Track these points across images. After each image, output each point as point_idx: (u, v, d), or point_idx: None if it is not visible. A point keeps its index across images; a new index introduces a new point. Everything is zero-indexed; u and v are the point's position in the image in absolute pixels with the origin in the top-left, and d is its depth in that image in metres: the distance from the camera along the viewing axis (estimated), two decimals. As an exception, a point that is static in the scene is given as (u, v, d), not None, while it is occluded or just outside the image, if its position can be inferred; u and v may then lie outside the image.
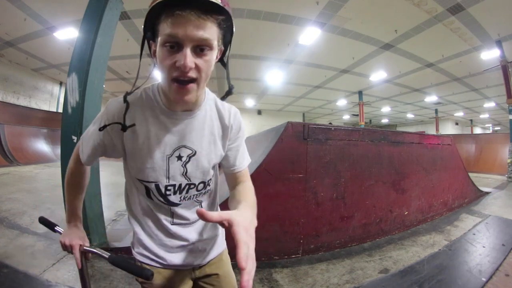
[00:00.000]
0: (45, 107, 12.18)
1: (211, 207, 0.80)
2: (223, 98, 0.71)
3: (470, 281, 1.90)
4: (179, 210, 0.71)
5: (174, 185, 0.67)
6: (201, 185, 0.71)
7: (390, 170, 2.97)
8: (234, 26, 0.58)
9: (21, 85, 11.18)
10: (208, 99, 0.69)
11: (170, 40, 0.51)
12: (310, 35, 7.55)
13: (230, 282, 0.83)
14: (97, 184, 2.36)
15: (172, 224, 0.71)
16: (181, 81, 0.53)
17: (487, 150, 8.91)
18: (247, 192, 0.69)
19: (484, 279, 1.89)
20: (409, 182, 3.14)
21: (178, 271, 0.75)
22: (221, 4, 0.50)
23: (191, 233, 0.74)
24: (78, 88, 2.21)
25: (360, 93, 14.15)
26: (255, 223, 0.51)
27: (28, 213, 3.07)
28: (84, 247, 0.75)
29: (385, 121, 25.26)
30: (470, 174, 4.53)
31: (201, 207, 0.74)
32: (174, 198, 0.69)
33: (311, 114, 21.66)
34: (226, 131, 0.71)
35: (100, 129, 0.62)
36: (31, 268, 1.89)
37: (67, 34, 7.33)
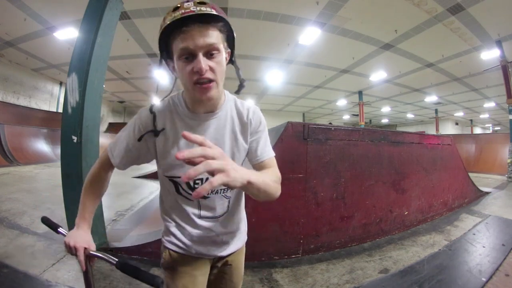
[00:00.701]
0: (45, 107, 12.19)
1: (238, 203, 0.86)
2: (237, 92, 0.78)
3: (470, 281, 1.90)
4: (206, 203, 0.79)
5: (201, 179, 0.75)
6: None
7: (390, 170, 2.97)
8: (234, 30, 0.68)
9: (21, 85, 11.19)
10: (227, 100, 0.78)
11: (184, 52, 0.61)
12: (310, 35, 7.55)
13: (239, 273, 0.91)
14: (97, 184, 2.36)
15: (199, 218, 0.79)
16: (201, 82, 0.63)
17: (487, 150, 8.91)
18: (267, 171, 0.76)
19: (484, 279, 1.89)
20: (409, 182, 3.14)
21: (201, 259, 0.83)
22: (216, 13, 0.60)
23: (216, 227, 0.81)
24: (78, 88, 2.21)
25: (360, 93, 14.16)
26: (241, 173, 0.52)
27: (28, 213, 3.07)
28: (90, 252, 0.73)
29: (385, 121, 25.26)
30: (470, 174, 4.53)
31: (230, 203, 0.82)
32: None
33: (311, 114, 21.67)
34: (245, 126, 0.78)
35: (139, 140, 0.73)
36: (31, 268, 1.89)
37: (67, 34, 7.33)
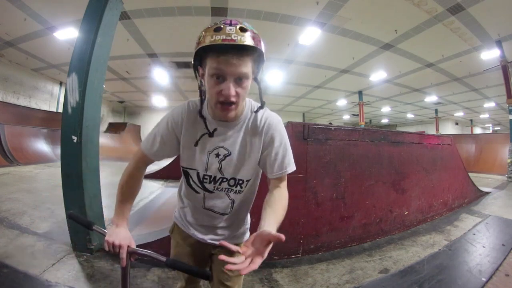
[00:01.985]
0: (45, 107, 12.18)
1: (243, 210, 0.94)
2: (257, 112, 0.84)
3: (470, 281, 1.90)
4: (211, 198, 0.88)
5: (210, 176, 0.85)
6: (232, 181, 0.85)
7: (390, 170, 2.97)
8: (265, 56, 0.72)
9: (21, 85, 11.18)
10: (248, 110, 0.83)
11: (216, 73, 0.67)
12: (310, 35, 7.54)
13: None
14: (97, 184, 2.36)
15: (203, 208, 0.90)
16: (225, 103, 0.70)
17: (487, 150, 8.92)
18: (276, 201, 0.79)
19: (484, 279, 1.89)
20: (409, 182, 3.14)
21: (200, 243, 0.94)
22: (254, 45, 0.64)
23: (218, 220, 0.91)
24: (78, 88, 2.21)
25: (360, 93, 14.15)
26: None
27: (28, 213, 3.07)
28: (137, 250, 0.76)
29: (385, 121, 25.26)
30: (470, 174, 4.53)
31: (233, 205, 0.90)
32: (209, 186, 0.86)
33: (311, 114, 21.66)
34: (259, 138, 0.83)
35: (195, 145, 0.83)
36: (31, 268, 1.89)
37: (67, 34, 7.32)
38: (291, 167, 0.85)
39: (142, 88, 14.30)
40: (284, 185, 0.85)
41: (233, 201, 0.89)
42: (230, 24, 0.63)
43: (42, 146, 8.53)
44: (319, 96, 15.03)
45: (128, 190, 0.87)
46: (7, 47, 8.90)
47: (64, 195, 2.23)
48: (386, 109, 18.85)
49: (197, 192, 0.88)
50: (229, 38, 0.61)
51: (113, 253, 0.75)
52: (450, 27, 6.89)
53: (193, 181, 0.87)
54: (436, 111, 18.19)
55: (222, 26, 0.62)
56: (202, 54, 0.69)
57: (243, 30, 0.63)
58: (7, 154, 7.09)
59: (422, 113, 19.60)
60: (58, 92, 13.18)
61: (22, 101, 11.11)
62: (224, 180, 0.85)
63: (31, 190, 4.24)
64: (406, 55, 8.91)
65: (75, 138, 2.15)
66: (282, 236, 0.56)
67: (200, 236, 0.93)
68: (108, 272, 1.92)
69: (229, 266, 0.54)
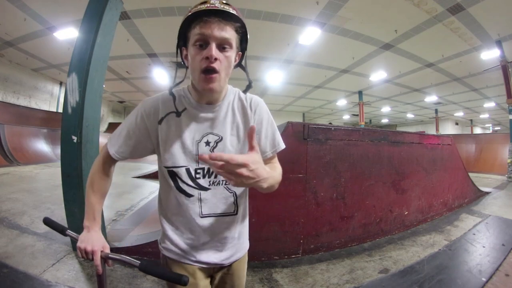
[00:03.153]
0: (45, 107, 12.19)
1: (244, 201, 0.84)
2: (244, 92, 0.81)
3: (470, 281, 1.90)
4: (209, 198, 0.76)
5: (203, 169, 0.75)
6: None
7: (390, 170, 2.97)
8: (248, 34, 0.72)
9: (21, 85, 11.18)
10: (229, 93, 0.80)
11: (199, 38, 0.66)
12: (310, 35, 7.54)
13: (241, 283, 0.87)
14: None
15: (201, 217, 0.76)
16: (208, 71, 0.66)
17: (487, 150, 8.91)
18: (274, 168, 0.78)
19: (484, 279, 1.89)
20: (409, 182, 3.14)
21: (201, 268, 0.79)
22: (236, 14, 0.67)
23: (220, 227, 0.78)
24: (78, 88, 2.21)
25: (360, 93, 14.15)
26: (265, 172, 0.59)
27: (28, 213, 3.07)
28: (109, 255, 0.70)
29: (385, 121, 25.26)
30: (470, 174, 4.53)
31: (236, 199, 0.79)
32: (203, 182, 0.76)
33: (311, 114, 21.66)
34: (249, 118, 0.79)
35: (159, 122, 0.74)
36: (31, 268, 1.90)
37: (67, 34, 7.33)
38: (282, 144, 0.84)
39: (142, 88, 14.30)
40: (276, 161, 0.84)
41: (235, 194, 0.78)
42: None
43: (42, 146, 8.53)
44: (319, 96, 15.03)
45: (97, 190, 0.77)
46: (7, 47, 8.91)
47: (64, 195, 2.23)
48: (386, 109, 18.86)
49: (190, 196, 0.75)
50: (213, 6, 0.64)
51: (86, 259, 0.70)
52: (450, 27, 6.89)
53: (183, 181, 0.75)
54: (436, 111, 18.20)
55: (206, 0, 0.66)
56: (187, 31, 0.69)
57: (226, 4, 0.67)
58: (7, 154, 7.09)
59: (422, 113, 19.60)
60: (58, 92, 13.19)
61: (22, 101, 11.11)
62: None
63: (31, 190, 4.24)
64: (406, 55, 8.91)
65: (75, 138, 2.15)
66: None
67: (204, 259, 0.77)
68: (108, 272, 1.92)
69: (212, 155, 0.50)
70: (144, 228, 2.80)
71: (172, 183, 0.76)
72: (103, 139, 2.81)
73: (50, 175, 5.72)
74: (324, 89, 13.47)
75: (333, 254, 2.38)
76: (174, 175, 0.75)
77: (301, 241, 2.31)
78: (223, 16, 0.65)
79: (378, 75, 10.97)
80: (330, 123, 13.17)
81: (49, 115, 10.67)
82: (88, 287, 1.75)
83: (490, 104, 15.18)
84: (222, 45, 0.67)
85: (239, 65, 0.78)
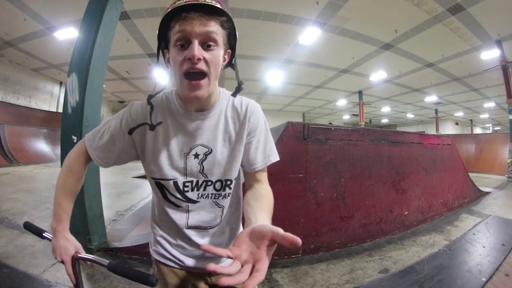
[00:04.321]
0: (45, 107, 12.18)
1: (234, 217, 0.77)
2: (234, 94, 0.73)
3: (470, 281, 1.90)
4: (196, 211, 0.71)
5: (191, 181, 0.69)
6: (219, 184, 0.71)
7: (390, 170, 2.97)
8: (236, 29, 0.64)
9: (21, 85, 11.18)
10: (222, 98, 0.72)
11: (180, 37, 0.57)
12: (310, 35, 7.54)
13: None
14: (97, 184, 2.36)
15: (186, 228, 0.72)
16: (192, 75, 0.58)
17: (487, 150, 8.91)
18: (262, 196, 0.68)
19: (484, 279, 1.89)
20: (409, 182, 3.14)
21: (194, 274, 0.76)
22: (219, 7, 0.57)
23: (206, 238, 0.73)
24: (78, 88, 2.21)
25: (360, 93, 14.15)
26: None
27: (28, 213, 3.07)
28: (79, 255, 0.68)
29: (385, 121, 25.26)
30: (470, 174, 4.53)
31: (223, 213, 0.73)
32: (191, 195, 0.70)
33: (311, 114, 21.66)
34: (242, 127, 0.71)
35: (129, 133, 0.67)
36: (31, 268, 1.90)
37: (67, 34, 7.33)
38: (275, 157, 0.75)
39: (142, 88, 14.30)
40: (265, 178, 0.74)
41: (222, 209, 0.73)
42: None
43: (42, 146, 8.54)
44: (319, 96, 15.03)
45: (68, 189, 0.71)
46: (7, 47, 8.91)
47: (64, 195, 2.23)
48: (386, 109, 18.86)
49: (177, 206, 0.70)
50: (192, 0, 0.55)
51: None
52: (450, 27, 6.89)
53: (170, 193, 0.70)
54: (436, 111, 18.20)
55: None
56: (166, 30, 0.60)
57: None
58: (7, 154, 7.10)
59: (422, 113, 19.60)
60: (58, 92, 13.18)
61: (22, 101, 11.11)
62: (209, 183, 0.70)
63: (31, 190, 4.25)
64: (406, 55, 8.91)
65: (75, 138, 2.15)
66: (298, 239, 0.41)
67: (193, 265, 0.74)
68: (108, 272, 1.92)
69: (224, 281, 0.37)
70: (144, 228, 2.80)
71: (159, 194, 0.71)
72: (103, 139, 2.82)
73: (50, 175, 5.72)
74: (324, 89, 13.47)
75: (333, 254, 2.38)
76: (161, 187, 0.70)
77: (301, 241, 2.31)
78: (206, 10, 0.57)
79: (378, 75, 10.97)
80: (330, 123, 13.16)
81: (49, 115, 10.67)
82: (88, 287, 1.76)
83: (490, 104, 15.18)
84: (207, 43, 0.58)
85: (229, 64, 0.69)
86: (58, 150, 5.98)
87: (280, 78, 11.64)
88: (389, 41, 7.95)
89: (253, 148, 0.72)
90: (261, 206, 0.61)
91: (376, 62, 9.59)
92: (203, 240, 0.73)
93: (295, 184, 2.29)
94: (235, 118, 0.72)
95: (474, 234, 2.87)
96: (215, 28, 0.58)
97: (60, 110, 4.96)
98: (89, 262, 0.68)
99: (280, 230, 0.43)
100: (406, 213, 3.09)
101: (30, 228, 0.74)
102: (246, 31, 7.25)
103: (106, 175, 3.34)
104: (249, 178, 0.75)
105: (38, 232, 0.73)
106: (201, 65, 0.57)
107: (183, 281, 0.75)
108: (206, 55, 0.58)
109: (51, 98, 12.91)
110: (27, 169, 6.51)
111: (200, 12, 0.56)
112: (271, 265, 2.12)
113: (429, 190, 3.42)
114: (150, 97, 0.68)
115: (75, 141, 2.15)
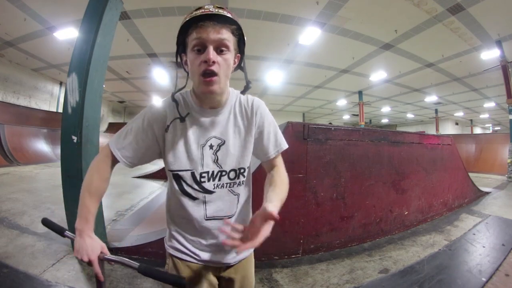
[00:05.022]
0: (45, 107, 12.19)
1: (247, 203, 0.86)
2: (243, 92, 0.82)
3: (470, 281, 1.90)
4: (213, 201, 0.78)
5: (207, 172, 0.76)
6: (232, 173, 0.79)
7: (390, 170, 2.97)
8: (245, 36, 0.74)
9: (21, 85, 11.19)
10: (232, 97, 0.81)
11: (197, 43, 0.67)
12: (310, 35, 7.54)
13: (250, 283, 0.90)
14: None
15: (206, 219, 0.78)
16: (207, 74, 0.68)
17: (487, 150, 8.91)
18: (278, 180, 0.80)
19: (484, 279, 1.89)
20: (409, 182, 3.14)
21: (207, 268, 0.81)
22: (231, 17, 0.69)
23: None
24: (78, 88, 2.21)
25: (360, 93, 14.16)
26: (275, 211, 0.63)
27: (28, 213, 3.07)
28: (106, 256, 0.69)
29: (385, 121, 25.26)
30: (470, 174, 4.53)
31: (238, 201, 0.81)
32: (208, 185, 0.77)
33: (311, 114, 21.66)
34: (250, 121, 0.81)
35: (166, 130, 0.75)
36: (31, 268, 1.90)
37: (67, 34, 7.33)
38: (284, 144, 0.86)
39: (142, 88, 14.31)
40: (281, 163, 0.86)
41: (238, 196, 0.81)
42: (209, 4, 0.70)
43: (42, 146, 8.53)
44: (319, 96, 15.04)
45: (93, 192, 0.74)
46: (7, 47, 8.91)
47: (64, 195, 2.23)
48: (386, 109, 18.86)
49: (194, 198, 0.77)
50: (207, 10, 0.67)
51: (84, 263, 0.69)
52: (450, 27, 6.89)
53: (187, 184, 0.76)
54: (436, 111, 18.20)
55: (201, 6, 0.69)
56: (185, 37, 0.71)
57: (220, 7, 0.69)
58: (7, 154, 7.09)
59: (422, 113, 19.60)
60: (58, 92, 13.19)
61: (22, 101, 11.11)
62: (224, 173, 0.78)
63: (31, 190, 4.24)
64: (406, 55, 8.91)
65: (75, 138, 2.15)
66: (276, 215, 0.60)
67: (209, 259, 0.80)
68: (108, 272, 1.92)
69: (226, 241, 0.59)
70: (144, 228, 2.80)
71: (176, 186, 0.77)
72: (103, 139, 2.81)
73: (50, 175, 5.72)
74: (324, 89, 13.48)
75: (333, 254, 2.38)
76: (179, 178, 0.76)
77: (301, 241, 2.31)
78: (218, 19, 0.67)
79: (378, 75, 10.97)
80: (330, 123, 13.17)
81: (49, 115, 10.67)
82: (88, 287, 1.75)
83: (490, 104, 15.19)
84: (220, 48, 0.68)
85: (239, 67, 0.79)
86: (58, 150, 5.97)
87: (280, 78, 11.64)
88: (389, 41, 7.95)
89: (265, 139, 0.83)
90: (274, 190, 0.75)
91: (376, 62, 9.59)
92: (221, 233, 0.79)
93: (295, 184, 2.29)
94: (243, 114, 0.81)
95: (474, 234, 2.87)
96: (226, 35, 0.68)
97: (60, 110, 4.96)
98: (112, 263, 0.70)
99: (267, 209, 0.62)
100: (406, 213, 3.09)
101: (50, 225, 0.74)
102: (246, 31, 7.00)
103: (106, 175, 3.36)
104: (266, 166, 0.87)
105: (58, 230, 0.73)
106: (215, 67, 0.68)
107: (197, 275, 0.79)
108: (219, 58, 0.68)
109: (51, 98, 12.92)
110: (27, 169, 6.51)
111: (214, 21, 0.66)
112: (271, 265, 2.12)
113: (429, 190, 3.42)
114: (174, 94, 0.77)
115: (75, 141, 2.15)
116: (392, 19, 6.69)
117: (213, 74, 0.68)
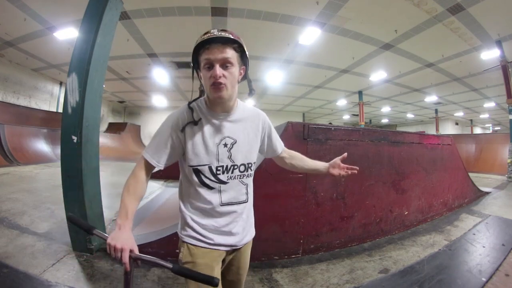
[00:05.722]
0: (45, 107, 12.18)
1: (251, 188, 1.02)
2: (249, 95, 1.00)
3: (470, 281, 1.90)
4: (227, 190, 0.93)
5: (222, 166, 0.92)
6: (242, 167, 0.95)
7: (390, 170, 2.97)
8: (247, 51, 0.91)
9: (21, 85, 11.17)
10: (240, 105, 0.99)
11: (206, 62, 0.85)
12: (310, 35, 7.53)
13: (246, 262, 1.05)
14: (97, 184, 2.36)
15: (221, 205, 0.92)
16: (215, 85, 0.85)
17: (487, 150, 8.92)
18: (297, 155, 1.21)
19: (484, 279, 1.89)
20: (409, 182, 3.14)
21: (217, 251, 0.93)
22: (232, 37, 0.85)
23: (235, 213, 0.95)
24: (78, 88, 2.21)
25: (360, 93, 14.14)
26: None
27: (28, 213, 3.07)
28: (141, 256, 0.74)
29: (385, 121, 25.25)
30: (470, 174, 4.53)
31: (247, 191, 0.99)
32: (223, 177, 0.93)
33: (311, 114, 21.65)
34: (258, 127, 1.02)
35: (182, 130, 0.90)
36: (31, 268, 1.90)
37: (67, 34, 7.32)
38: (282, 143, 1.17)
39: (142, 88, 14.30)
40: (288, 149, 1.19)
41: (247, 186, 0.98)
42: (214, 29, 0.85)
43: (42, 146, 8.53)
44: (319, 96, 15.03)
45: (133, 193, 0.87)
46: (7, 47, 8.90)
47: (64, 195, 2.23)
48: (386, 109, 18.85)
49: (211, 188, 0.91)
50: (212, 35, 0.83)
51: (114, 257, 0.73)
52: (450, 27, 6.89)
53: (206, 177, 0.91)
54: (436, 111, 18.19)
55: (208, 31, 0.84)
56: (198, 57, 0.88)
57: (224, 30, 0.84)
58: (7, 154, 7.09)
59: (422, 113, 19.59)
60: (58, 92, 13.17)
61: (22, 101, 11.10)
62: (235, 167, 0.94)
63: (31, 190, 4.24)
64: (406, 55, 8.91)
65: (75, 138, 2.15)
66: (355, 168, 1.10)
67: (222, 242, 0.93)
68: (108, 272, 1.92)
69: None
70: (144, 228, 2.80)
71: (196, 179, 0.91)
72: (103, 139, 2.81)
73: (50, 175, 5.72)
74: (324, 89, 13.46)
75: (333, 254, 2.38)
76: (198, 172, 0.91)
77: (301, 241, 2.31)
78: (222, 41, 0.83)
79: (378, 75, 10.97)
80: (330, 123, 13.16)
81: (49, 115, 10.67)
82: (88, 287, 1.76)
83: (490, 104, 15.18)
84: (225, 64, 0.85)
85: (245, 77, 0.96)
86: (58, 150, 5.96)
87: (280, 78, 11.63)
88: (389, 41, 7.94)
89: (274, 142, 1.11)
90: (302, 159, 1.21)
91: (376, 62, 9.58)
92: (234, 215, 0.95)
93: (295, 184, 2.29)
94: (250, 119, 1.00)
95: (474, 234, 2.88)
96: (230, 53, 0.85)
97: (60, 110, 4.96)
98: (139, 261, 0.75)
99: (336, 160, 1.15)
100: (406, 213, 3.09)
101: (77, 222, 0.78)
102: (246, 31, 7.24)
103: (106, 175, 3.33)
104: (278, 159, 1.19)
105: (87, 227, 0.77)
106: (222, 80, 0.85)
107: (210, 259, 0.91)
108: (225, 73, 0.85)
109: (51, 98, 12.90)
110: (27, 169, 6.50)
111: (218, 43, 0.83)
112: (271, 265, 2.12)
113: (429, 190, 3.42)
114: (190, 103, 0.94)
115: (75, 141, 2.15)
116: (392, 19, 6.69)
117: (220, 83, 0.84)
